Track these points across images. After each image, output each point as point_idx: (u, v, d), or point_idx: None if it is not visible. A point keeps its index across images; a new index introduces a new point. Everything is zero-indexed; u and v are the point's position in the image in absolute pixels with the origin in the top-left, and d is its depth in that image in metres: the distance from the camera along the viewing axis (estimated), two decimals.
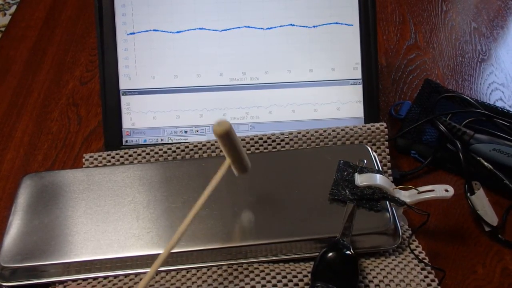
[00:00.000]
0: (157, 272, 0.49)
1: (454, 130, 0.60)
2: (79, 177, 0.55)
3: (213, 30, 0.61)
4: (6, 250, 0.49)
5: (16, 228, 0.50)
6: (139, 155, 0.59)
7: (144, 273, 0.49)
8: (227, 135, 0.43)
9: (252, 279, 0.47)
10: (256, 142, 0.59)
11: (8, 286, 0.48)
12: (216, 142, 0.59)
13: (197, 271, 0.49)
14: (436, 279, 0.47)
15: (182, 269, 0.49)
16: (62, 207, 0.52)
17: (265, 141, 0.59)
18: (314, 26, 0.61)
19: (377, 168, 0.54)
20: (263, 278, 0.47)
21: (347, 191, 0.51)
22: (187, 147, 0.59)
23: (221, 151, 0.58)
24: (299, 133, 0.59)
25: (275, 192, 0.53)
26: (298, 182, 0.53)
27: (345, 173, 0.52)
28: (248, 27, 0.61)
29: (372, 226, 0.49)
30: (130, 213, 0.51)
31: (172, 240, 0.43)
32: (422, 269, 0.48)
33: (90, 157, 0.59)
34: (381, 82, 0.71)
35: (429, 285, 0.47)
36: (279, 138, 0.59)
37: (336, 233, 0.47)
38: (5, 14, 1.88)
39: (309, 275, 0.47)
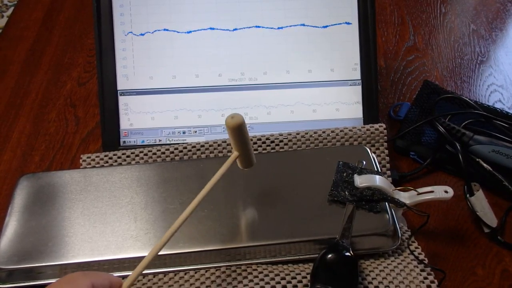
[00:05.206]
0: (155, 274, 0.49)
1: (453, 131, 0.59)
2: (76, 178, 0.55)
3: (212, 30, 0.61)
4: (2, 251, 0.48)
5: (12, 229, 0.50)
6: (137, 156, 0.58)
7: (142, 274, 0.48)
8: (239, 129, 0.45)
9: (251, 281, 0.47)
10: (255, 143, 0.58)
11: None
12: (214, 143, 0.58)
13: (195, 272, 0.48)
14: (435, 280, 0.47)
15: (180, 271, 0.49)
16: (59, 208, 0.52)
17: (264, 142, 0.58)
18: (313, 27, 0.61)
19: (376, 169, 0.54)
20: (262, 280, 0.47)
21: (346, 192, 0.51)
22: (185, 147, 0.58)
23: (219, 152, 0.58)
24: (298, 134, 0.58)
25: (274, 193, 0.52)
26: (297, 183, 0.53)
27: (344, 174, 0.52)
28: (247, 28, 0.61)
29: (371, 228, 0.49)
30: (127, 214, 0.51)
31: (176, 221, 0.43)
32: (422, 270, 0.48)
33: (88, 157, 0.59)
34: (380, 84, 0.71)
35: (428, 286, 0.46)
36: (277, 139, 0.58)
37: (336, 234, 0.47)
38: (2, 16, 1.88)
39: (308, 276, 0.47)
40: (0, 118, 0.68)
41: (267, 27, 0.61)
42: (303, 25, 0.61)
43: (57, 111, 0.68)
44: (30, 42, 0.78)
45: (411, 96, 0.69)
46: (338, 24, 0.61)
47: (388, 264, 0.48)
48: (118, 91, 0.61)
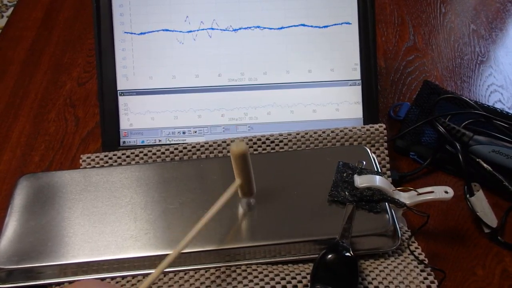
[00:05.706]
0: None
1: (453, 131, 0.59)
2: (76, 178, 0.55)
3: (212, 30, 0.61)
4: (2, 251, 0.48)
5: (12, 229, 0.50)
6: (136, 156, 0.58)
7: (142, 275, 0.48)
8: (243, 157, 0.45)
9: (251, 281, 0.47)
10: (255, 143, 0.58)
11: None
12: (214, 143, 0.58)
13: (195, 272, 0.48)
14: (435, 281, 0.47)
15: (179, 271, 0.49)
16: (59, 208, 0.52)
17: (264, 142, 0.58)
18: (313, 27, 0.61)
19: (376, 170, 0.54)
20: (262, 280, 0.47)
21: (346, 193, 0.50)
22: (185, 148, 0.58)
23: (219, 152, 0.58)
24: (297, 134, 0.58)
25: (273, 194, 0.52)
26: (297, 183, 0.53)
27: (344, 175, 0.52)
28: (247, 28, 0.61)
29: (371, 228, 0.49)
30: (127, 214, 0.51)
31: (166, 260, 0.43)
32: (422, 270, 0.48)
33: (88, 158, 0.59)
34: (380, 84, 0.71)
35: (428, 286, 0.46)
36: (277, 139, 0.58)
37: (336, 234, 0.47)
38: (2, 16, 1.88)
39: (308, 276, 0.46)
40: (0, 118, 0.68)
41: (267, 27, 0.61)
42: (303, 25, 0.61)
43: (57, 111, 0.68)
44: (29, 42, 0.78)
45: (411, 96, 0.69)
46: (338, 24, 0.61)
47: (388, 265, 0.48)
48: (118, 91, 0.61)
